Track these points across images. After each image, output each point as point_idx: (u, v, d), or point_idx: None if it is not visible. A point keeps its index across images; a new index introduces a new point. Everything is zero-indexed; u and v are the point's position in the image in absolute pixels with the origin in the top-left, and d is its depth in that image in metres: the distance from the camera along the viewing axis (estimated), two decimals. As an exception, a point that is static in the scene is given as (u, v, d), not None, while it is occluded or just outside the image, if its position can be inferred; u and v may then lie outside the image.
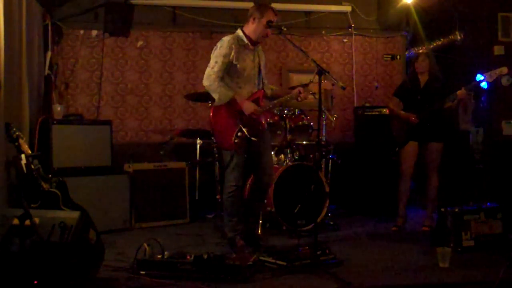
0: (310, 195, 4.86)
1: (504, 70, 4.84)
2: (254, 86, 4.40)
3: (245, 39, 4.32)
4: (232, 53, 4.23)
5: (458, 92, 4.95)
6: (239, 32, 4.37)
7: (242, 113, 4.21)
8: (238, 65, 4.25)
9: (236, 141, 4.19)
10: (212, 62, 4.25)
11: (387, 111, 5.74)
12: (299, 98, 4.36)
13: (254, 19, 4.31)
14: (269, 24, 4.33)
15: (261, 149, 4.39)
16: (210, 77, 4.20)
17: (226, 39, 4.30)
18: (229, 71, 4.26)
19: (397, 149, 5.29)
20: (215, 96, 4.22)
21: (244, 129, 4.20)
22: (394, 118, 5.37)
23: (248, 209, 4.52)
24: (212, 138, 4.22)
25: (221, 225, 5.13)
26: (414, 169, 5.30)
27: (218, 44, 4.31)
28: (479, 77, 5.01)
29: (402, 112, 5.24)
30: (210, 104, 5.00)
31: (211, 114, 4.25)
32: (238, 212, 4.33)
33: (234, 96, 4.18)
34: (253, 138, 4.24)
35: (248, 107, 4.20)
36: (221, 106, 4.22)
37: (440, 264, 3.78)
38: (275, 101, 4.44)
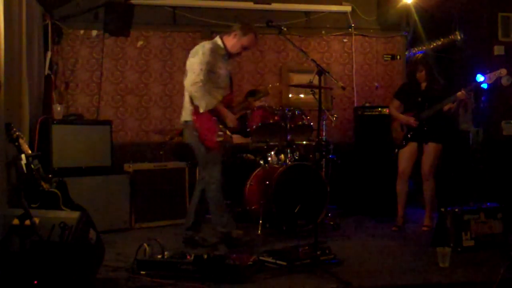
0: (310, 195, 4.86)
1: (503, 71, 4.84)
2: (224, 91, 4.56)
3: (223, 49, 4.49)
4: (213, 61, 4.38)
5: (458, 93, 4.95)
6: (218, 40, 4.53)
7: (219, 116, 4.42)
8: (214, 73, 4.41)
9: (219, 139, 4.36)
10: (197, 68, 4.32)
11: (387, 111, 5.74)
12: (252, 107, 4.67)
13: (235, 35, 4.48)
14: (268, 24, 4.37)
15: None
16: (196, 84, 4.31)
17: (209, 46, 4.41)
18: (206, 77, 4.40)
19: (396, 150, 5.30)
20: (201, 103, 4.31)
21: (223, 131, 4.41)
22: (394, 120, 5.39)
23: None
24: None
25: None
26: (413, 169, 5.31)
27: (200, 51, 4.39)
28: (479, 77, 5.01)
29: (402, 116, 5.26)
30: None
31: (195, 117, 4.37)
32: (225, 206, 4.49)
33: (218, 106, 4.35)
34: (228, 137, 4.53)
35: (232, 119, 4.43)
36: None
37: (440, 264, 3.78)
38: (238, 108, 4.70)
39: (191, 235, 4.54)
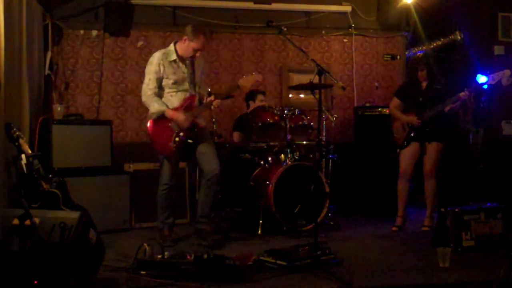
0: (310, 195, 4.86)
1: (507, 72, 4.84)
2: (187, 93, 4.60)
3: (173, 55, 4.54)
4: (162, 69, 4.49)
5: (461, 93, 4.95)
6: (171, 46, 4.59)
7: None
8: (167, 79, 4.50)
9: (174, 146, 4.45)
10: (146, 79, 4.53)
11: (387, 111, 5.74)
12: (212, 107, 4.63)
13: (185, 40, 4.51)
14: (268, 24, 4.39)
15: (201, 146, 4.61)
16: (145, 94, 4.53)
17: (156, 55, 4.55)
18: (160, 84, 4.52)
19: (398, 150, 5.30)
20: (151, 110, 4.50)
21: (181, 134, 4.46)
22: (395, 120, 5.38)
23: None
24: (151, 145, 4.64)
25: (221, 225, 5.16)
26: (414, 169, 5.30)
27: (150, 60, 4.55)
28: (479, 77, 5.00)
29: (404, 116, 5.25)
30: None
31: (148, 125, 4.54)
32: (169, 207, 4.64)
33: (165, 112, 4.43)
34: (189, 141, 4.50)
35: (181, 120, 4.43)
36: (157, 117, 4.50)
37: (440, 264, 3.78)
38: (200, 108, 4.65)
39: (201, 227, 4.65)
